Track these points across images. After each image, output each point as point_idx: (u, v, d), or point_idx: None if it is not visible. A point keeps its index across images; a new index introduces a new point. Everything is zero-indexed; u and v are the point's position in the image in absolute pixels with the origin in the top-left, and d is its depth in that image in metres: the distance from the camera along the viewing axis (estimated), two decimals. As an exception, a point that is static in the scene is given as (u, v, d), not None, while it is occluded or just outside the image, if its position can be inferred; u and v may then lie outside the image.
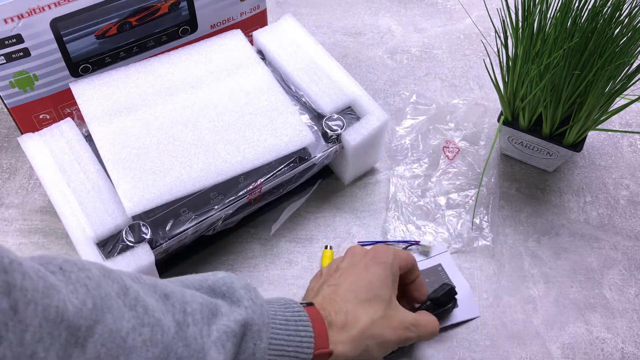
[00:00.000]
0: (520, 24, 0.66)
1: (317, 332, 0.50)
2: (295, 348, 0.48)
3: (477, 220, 0.72)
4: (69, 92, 0.69)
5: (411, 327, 0.54)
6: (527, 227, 0.73)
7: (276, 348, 0.47)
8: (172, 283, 0.46)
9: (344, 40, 0.93)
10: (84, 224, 0.60)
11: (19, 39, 0.65)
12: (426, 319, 0.57)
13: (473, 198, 0.74)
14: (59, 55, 0.69)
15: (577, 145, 0.71)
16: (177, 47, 0.75)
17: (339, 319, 0.52)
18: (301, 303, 0.52)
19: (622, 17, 0.61)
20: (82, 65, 0.72)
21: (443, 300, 0.62)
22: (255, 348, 0.46)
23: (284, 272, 0.69)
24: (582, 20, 0.63)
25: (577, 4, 0.63)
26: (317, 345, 0.49)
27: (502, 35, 0.68)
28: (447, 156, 0.78)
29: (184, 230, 0.62)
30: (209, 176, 0.62)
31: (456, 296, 0.64)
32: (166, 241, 0.62)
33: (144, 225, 0.61)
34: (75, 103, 0.68)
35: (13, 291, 0.31)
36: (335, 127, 0.69)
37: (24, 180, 0.77)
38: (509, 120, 0.73)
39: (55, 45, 0.68)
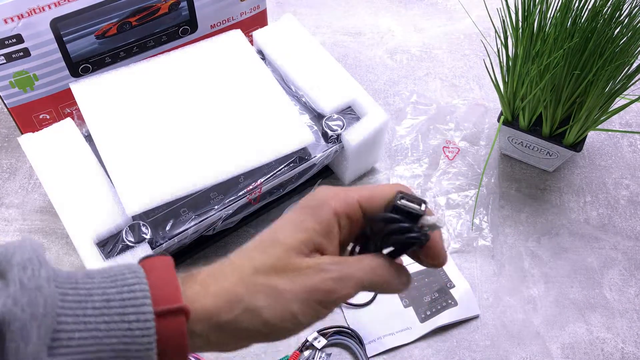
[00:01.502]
0: (520, 24, 0.66)
1: (160, 291, 0.35)
2: (121, 338, 0.34)
3: (477, 220, 0.72)
4: (69, 92, 0.69)
5: (325, 266, 0.36)
6: (527, 227, 0.73)
7: (81, 343, 0.33)
8: None
9: (344, 40, 0.93)
10: (84, 224, 0.60)
11: (19, 39, 0.65)
12: (364, 257, 0.38)
13: (473, 198, 0.74)
14: (59, 55, 0.69)
15: (577, 145, 0.71)
16: (177, 47, 0.75)
17: (210, 269, 0.38)
18: (146, 257, 0.38)
19: (622, 17, 0.61)
20: (82, 65, 0.72)
21: (388, 219, 0.36)
22: (19, 353, 0.31)
23: (284, 272, 0.69)
24: (582, 20, 0.63)
25: (577, 4, 0.63)
26: (159, 304, 0.34)
27: (502, 35, 0.68)
28: (447, 156, 0.78)
29: (184, 230, 0.62)
30: (209, 176, 0.62)
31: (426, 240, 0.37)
32: (166, 241, 0.62)
33: (144, 225, 0.61)
34: (75, 103, 0.68)
35: None
36: (335, 127, 0.69)
37: (24, 180, 0.77)
38: (509, 120, 0.73)
39: (55, 45, 0.68)
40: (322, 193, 0.38)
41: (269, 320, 0.35)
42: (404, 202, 0.35)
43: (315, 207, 0.37)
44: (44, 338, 0.31)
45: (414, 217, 0.35)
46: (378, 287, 0.38)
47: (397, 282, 0.38)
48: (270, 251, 0.37)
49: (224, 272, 0.37)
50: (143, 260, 0.37)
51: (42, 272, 0.33)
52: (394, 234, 0.35)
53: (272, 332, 0.36)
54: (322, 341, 0.62)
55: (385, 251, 0.38)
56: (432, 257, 0.38)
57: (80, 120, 0.68)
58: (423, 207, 0.35)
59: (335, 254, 0.38)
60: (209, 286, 0.36)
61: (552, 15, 0.64)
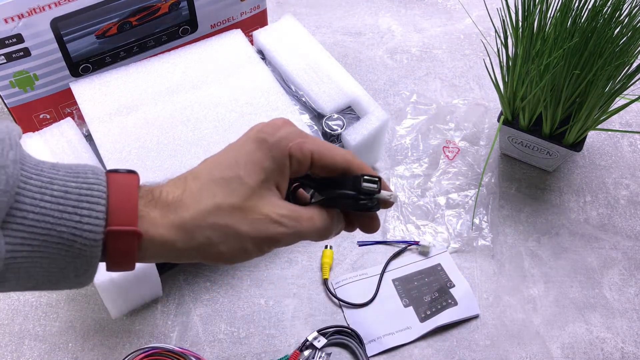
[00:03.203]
0: (520, 24, 0.66)
1: (117, 205, 0.37)
2: (70, 229, 0.35)
3: (476, 220, 0.72)
4: (69, 92, 0.69)
5: (283, 220, 0.40)
6: (527, 227, 0.73)
7: (33, 224, 0.35)
8: None
9: (344, 40, 0.93)
10: (84, 223, 0.60)
11: (19, 38, 0.65)
12: (312, 211, 0.41)
13: (473, 198, 0.74)
14: (59, 55, 0.69)
15: (577, 145, 0.71)
16: (177, 47, 0.75)
17: (170, 196, 0.39)
18: (113, 170, 0.39)
19: (622, 17, 0.61)
20: (82, 65, 0.72)
21: (339, 181, 0.42)
22: None
23: (284, 272, 0.69)
24: (582, 20, 0.63)
25: (577, 4, 0.63)
26: (113, 221, 0.37)
27: (502, 35, 0.68)
28: (447, 156, 0.78)
29: (184, 230, 0.62)
30: (209, 176, 0.62)
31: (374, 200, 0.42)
32: (166, 241, 0.62)
33: (144, 225, 0.61)
34: (75, 103, 0.68)
35: None
36: (335, 127, 0.69)
37: (24, 180, 0.77)
38: (509, 120, 0.73)
39: (55, 45, 0.68)
40: (281, 130, 0.41)
41: (224, 253, 0.39)
42: (366, 185, 0.40)
43: (272, 146, 0.40)
44: (0, 212, 0.34)
45: (370, 192, 0.41)
46: (317, 240, 0.43)
47: (332, 233, 0.43)
48: (233, 189, 0.39)
49: (185, 203, 0.39)
50: (110, 172, 0.39)
51: (10, 154, 0.35)
52: (351, 206, 0.42)
53: (221, 259, 0.40)
54: (322, 341, 0.62)
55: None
56: (367, 223, 0.45)
57: (80, 120, 0.68)
58: (378, 185, 0.41)
59: (285, 188, 0.42)
60: (168, 214, 0.38)
61: (552, 15, 0.64)
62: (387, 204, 0.43)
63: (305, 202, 0.45)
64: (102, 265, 0.39)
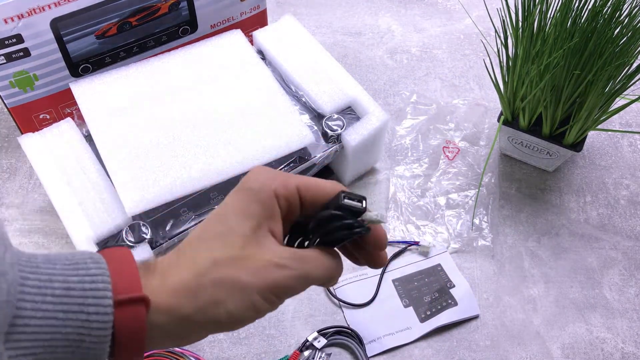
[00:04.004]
0: (520, 24, 0.66)
1: (120, 284, 0.34)
2: (77, 329, 0.33)
3: (476, 221, 0.72)
4: (69, 92, 0.69)
5: (287, 262, 0.37)
6: (527, 227, 0.73)
7: (36, 330, 0.32)
8: None
9: (344, 40, 0.93)
10: (84, 224, 0.60)
11: (19, 39, 0.65)
12: (315, 252, 0.39)
13: (473, 198, 0.74)
14: (59, 55, 0.69)
15: (577, 145, 0.71)
16: (177, 47, 0.75)
17: (166, 262, 0.37)
18: (105, 247, 0.38)
19: (622, 17, 0.61)
20: (82, 65, 0.72)
21: (331, 216, 0.38)
22: None
23: (284, 272, 0.69)
24: (582, 20, 0.63)
25: (577, 4, 0.63)
26: (119, 302, 0.34)
27: (502, 35, 0.68)
28: (447, 156, 0.78)
29: (184, 230, 0.62)
30: (209, 176, 0.62)
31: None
32: (166, 241, 0.62)
33: (144, 225, 0.61)
34: (75, 103, 0.68)
35: None
36: (335, 127, 0.69)
37: (24, 180, 0.77)
38: (509, 120, 0.73)
39: (55, 45, 0.68)
40: (262, 175, 0.39)
41: (232, 312, 0.36)
42: (347, 201, 0.38)
43: (257, 191, 0.38)
44: (3, 325, 0.30)
45: (356, 213, 0.38)
46: (324, 283, 0.40)
47: (338, 276, 0.40)
48: (227, 241, 0.37)
49: (182, 265, 0.37)
50: (103, 250, 0.36)
51: (7, 256, 0.32)
52: (339, 229, 0.38)
53: (232, 322, 0.37)
54: (322, 341, 0.62)
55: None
56: (373, 258, 0.41)
57: (80, 120, 0.68)
58: (364, 203, 0.38)
59: (281, 234, 0.39)
60: (167, 279, 0.36)
61: (552, 15, 0.64)
62: (379, 235, 0.39)
63: None
64: None
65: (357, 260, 0.42)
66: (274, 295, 0.37)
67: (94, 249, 0.59)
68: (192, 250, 0.37)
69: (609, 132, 0.82)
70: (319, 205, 0.39)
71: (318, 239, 0.39)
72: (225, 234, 0.37)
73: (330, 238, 0.39)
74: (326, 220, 0.38)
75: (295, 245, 0.41)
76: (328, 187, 0.39)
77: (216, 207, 0.40)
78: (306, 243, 0.41)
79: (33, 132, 0.68)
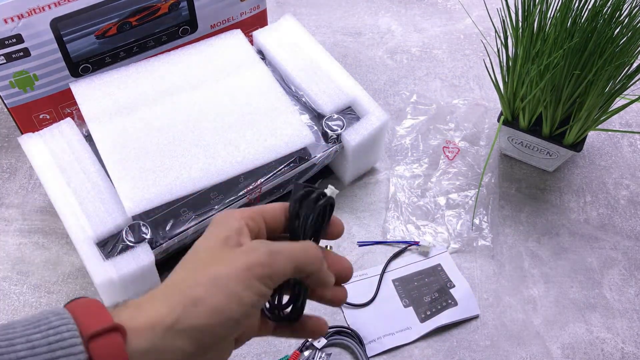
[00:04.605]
0: (520, 24, 0.66)
1: (88, 323, 0.33)
2: None
3: (476, 221, 0.72)
4: (69, 92, 0.69)
5: (259, 246, 0.38)
6: (527, 227, 0.73)
7: None
8: None
9: (344, 40, 0.93)
10: (84, 224, 0.60)
11: (19, 39, 0.65)
12: (291, 242, 0.40)
13: (473, 198, 0.74)
14: (59, 55, 0.69)
15: (577, 145, 0.71)
16: (177, 47, 0.75)
17: (139, 298, 0.36)
18: (71, 301, 0.36)
19: (622, 17, 0.61)
20: (82, 65, 0.72)
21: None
22: None
23: (284, 272, 0.69)
24: (582, 20, 0.63)
25: (577, 4, 0.63)
26: (91, 345, 0.32)
27: (502, 35, 0.68)
28: (447, 156, 0.78)
29: (184, 230, 0.62)
30: (209, 176, 0.62)
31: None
32: (166, 241, 0.62)
33: (144, 225, 0.61)
34: (75, 103, 0.68)
35: None
36: (335, 127, 0.69)
37: (24, 180, 0.77)
38: (509, 120, 0.73)
39: (55, 45, 0.68)
40: (228, 212, 0.40)
41: (216, 307, 0.35)
42: (300, 183, 0.41)
43: (220, 222, 0.39)
44: None
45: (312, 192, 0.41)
46: (309, 270, 0.39)
47: (327, 269, 0.40)
48: (200, 252, 0.38)
49: (155, 293, 0.36)
50: (68, 304, 0.35)
51: None
52: (311, 208, 0.40)
53: (221, 321, 0.35)
54: (322, 341, 0.62)
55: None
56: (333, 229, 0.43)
57: (80, 120, 0.68)
58: (314, 187, 0.41)
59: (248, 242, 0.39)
60: (141, 304, 0.35)
61: (552, 15, 0.64)
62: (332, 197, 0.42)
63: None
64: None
65: (322, 300, 0.43)
66: (256, 278, 0.36)
67: (94, 248, 0.59)
68: (162, 286, 0.37)
69: (609, 132, 0.81)
70: (282, 222, 0.41)
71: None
72: (193, 253, 0.38)
73: (307, 227, 0.40)
74: (303, 197, 0.40)
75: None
76: (279, 204, 0.41)
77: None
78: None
79: (33, 132, 0.68)
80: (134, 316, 0.34)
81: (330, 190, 0.41)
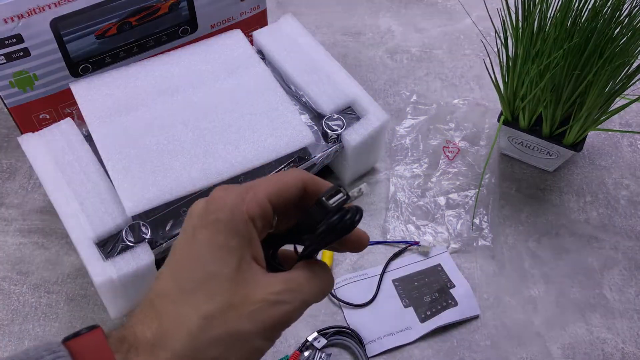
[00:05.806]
0: (520, 24, 0.66)
1: None
2: None
3: (477, 220, 0.72)
4: (69, 92, 0.69)
5: (283, 297, 0.34)
6: (527, 227, 0.73)
7: None
8: None
9: (344, 40, 0.93)
10: (84, 224, 0.60)
11: (19, 38, 0.65)
12: (306, 271, 0.36)
13: (473, 198, 0.74)
14: (59, 55, 0.69)
15: (577, 145, 0.71)
16: (177, 47, 0.75)
17: (148, 332, 0.33)
18: (72, 335, 0.33)
19: (622, 17, 0.61)
20: (82, 65, 0.72)
21: (317, 218, 0.36)
22: None
23: (284, 272, 0.69)
24: (582, 20, 0.63)
25: (577, 4, 0.63)
26: None
27: (502, 35, 0.68)
28: (447, 156, 0.78)
29: (184, 230, 0.62)
30: (209, 176, 0.62)
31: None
32: (166, 241, 0.62)
33: (144, 225, 0.61)
34: (75, 103, 0.68)
35: None
36: (335, 127, 0.69)
37: (24, 180, 0.77)
38: (509, 120, 0.73)
39: (55, 45, 0.68)
40: (229, 198, 0.35)
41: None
42: (333, 200, 0.35)
43: (228, 221, 0.34)
44: None
45: (343, 204, 0.35)
46: (319, 301, 0.38)
47: (332, 288, 0.39)
48: (212, 290, 0.33)
49: (169, 332, 0.32)
50: (69, 340, 0.32)
51: None
52: (344, 229, 0.35)
53: None
54: (322, 341, 0.62)
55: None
56: (356, 240, 0.38)
57: (80, 120, 0.68)
58: (343, 190, 0.35)
59: (262, 255, 0.36)
60: (155, 355, 0.31)
61: (552, 15, 0.64)
62: (359, 236, 0.38)
63: (288, 257, 0.40)
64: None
65: (339, 249, 0.40)
66: (276, 331, 0.34)
67: (94, 248, 0.59)
68: (174, 307, 0.33)
69: (609, 132, 0.81)
70: (291, 207, 0.37)
71: (304, 248, 0.37)
72: (207, 281, 0.33)
73: (322, 243, 0.36)
74: (330, 231, 0.35)
75: (273, 256, 0.39)
76: (291, 181, 0.36)
77: (178, 238, 0.36)
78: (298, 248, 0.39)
79: (33, 132, 0.68)
80: None
81: (358, 193, 0.37)
